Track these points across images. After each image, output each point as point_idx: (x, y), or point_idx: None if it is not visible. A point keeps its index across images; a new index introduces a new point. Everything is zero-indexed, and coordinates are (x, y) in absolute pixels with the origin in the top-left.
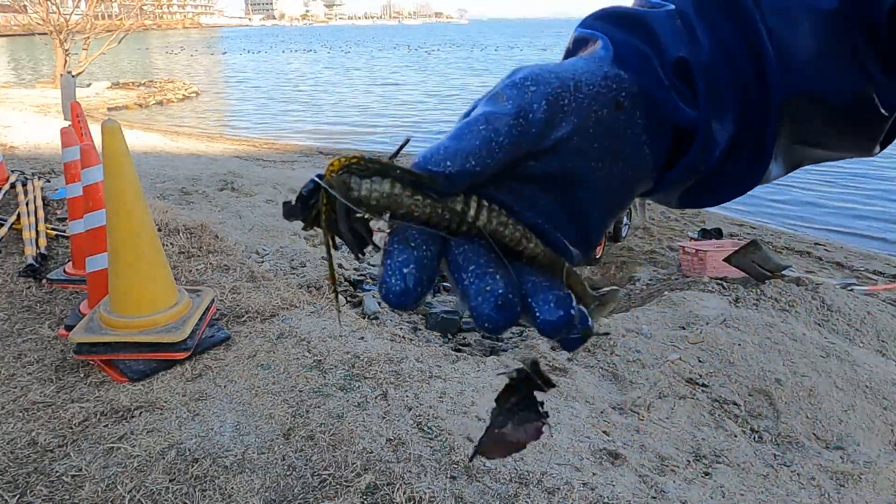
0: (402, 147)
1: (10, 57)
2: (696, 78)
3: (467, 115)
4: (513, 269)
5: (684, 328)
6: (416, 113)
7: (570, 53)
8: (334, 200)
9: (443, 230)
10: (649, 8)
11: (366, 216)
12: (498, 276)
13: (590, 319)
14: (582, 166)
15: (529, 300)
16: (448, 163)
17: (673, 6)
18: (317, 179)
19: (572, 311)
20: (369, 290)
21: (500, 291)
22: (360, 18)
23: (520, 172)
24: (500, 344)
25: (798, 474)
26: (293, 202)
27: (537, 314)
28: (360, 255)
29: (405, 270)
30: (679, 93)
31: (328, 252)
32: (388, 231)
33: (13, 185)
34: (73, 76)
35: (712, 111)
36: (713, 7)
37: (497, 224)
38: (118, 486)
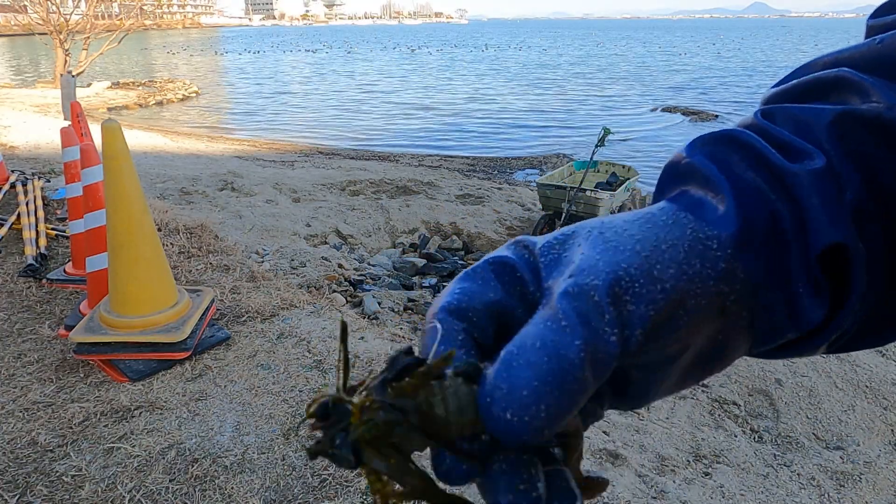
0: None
1: (11, 57)
2: (854, 272)
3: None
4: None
5: None
6: (418, 113)
7: (669, 181)
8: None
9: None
10: (788, 158)
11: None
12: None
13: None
14: (655, 360)
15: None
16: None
17: (823, 160)
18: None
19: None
20: (369, 290)
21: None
22: (360, 18)
23: None
24: None
25: (798, 474)
26: (320, 442)
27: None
28: None
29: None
30: (811, 285)
31: None
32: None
33: (13, 185)
34: (73, 76)
35: (858, 307)
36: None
37: None
38: (118, 486)
